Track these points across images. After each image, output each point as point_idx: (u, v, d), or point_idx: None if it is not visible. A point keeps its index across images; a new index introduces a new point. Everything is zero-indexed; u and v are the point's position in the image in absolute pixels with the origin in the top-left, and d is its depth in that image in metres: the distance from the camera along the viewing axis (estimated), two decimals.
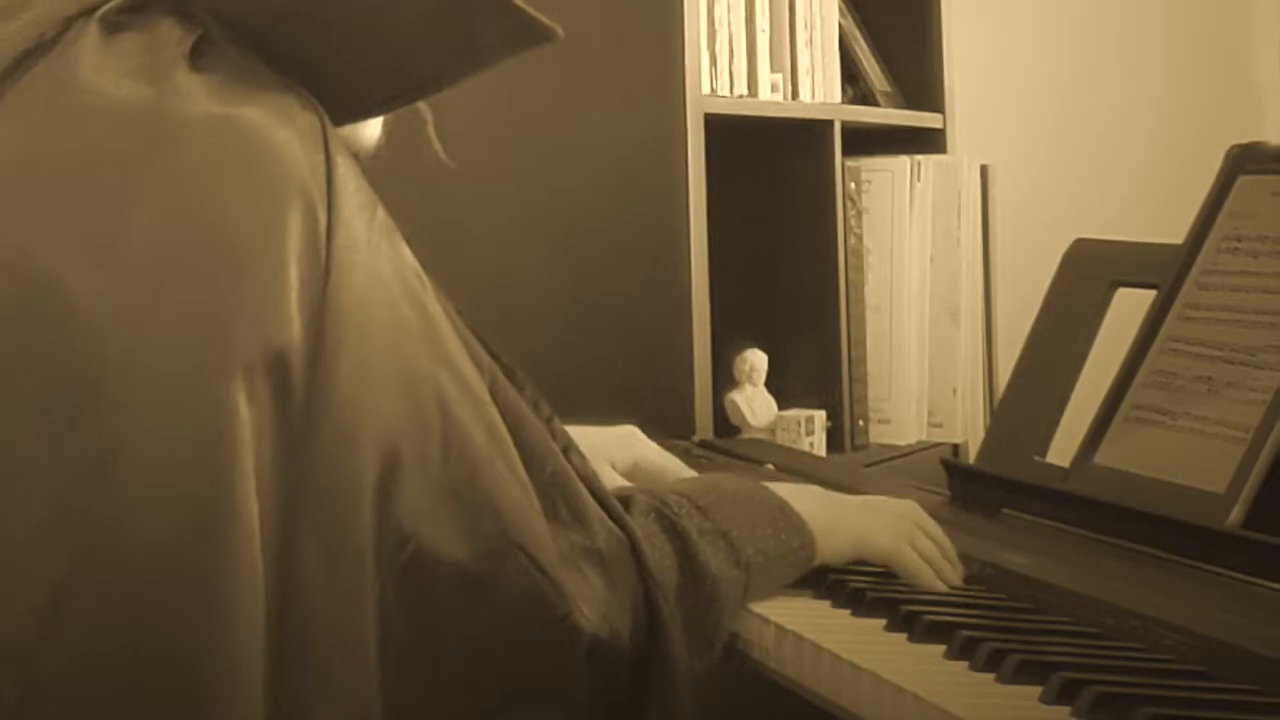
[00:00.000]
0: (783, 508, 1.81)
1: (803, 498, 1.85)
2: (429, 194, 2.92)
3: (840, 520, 1.88)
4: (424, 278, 1.60)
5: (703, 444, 2.64)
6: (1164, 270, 2.01)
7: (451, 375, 1.57)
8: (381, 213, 1.58)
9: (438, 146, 1.81)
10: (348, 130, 1.68)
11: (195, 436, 1.43)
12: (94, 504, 1.41)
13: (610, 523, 1.63)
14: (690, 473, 2.13)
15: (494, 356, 1.67)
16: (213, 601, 1.40)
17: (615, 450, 2.05)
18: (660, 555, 1.67)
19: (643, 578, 1.61)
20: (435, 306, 1.60)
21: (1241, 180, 1.98)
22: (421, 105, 1.77)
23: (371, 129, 1.77)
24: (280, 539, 1.45)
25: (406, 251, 1.60)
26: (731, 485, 1.83)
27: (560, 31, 1.64)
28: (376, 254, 1.54)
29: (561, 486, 1.63)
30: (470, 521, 1.54)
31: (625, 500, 1.71)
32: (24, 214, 1.48)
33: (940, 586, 1.81)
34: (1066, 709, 1.37)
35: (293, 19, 1.60)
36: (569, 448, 1.67)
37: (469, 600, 1.54)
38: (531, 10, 1.64)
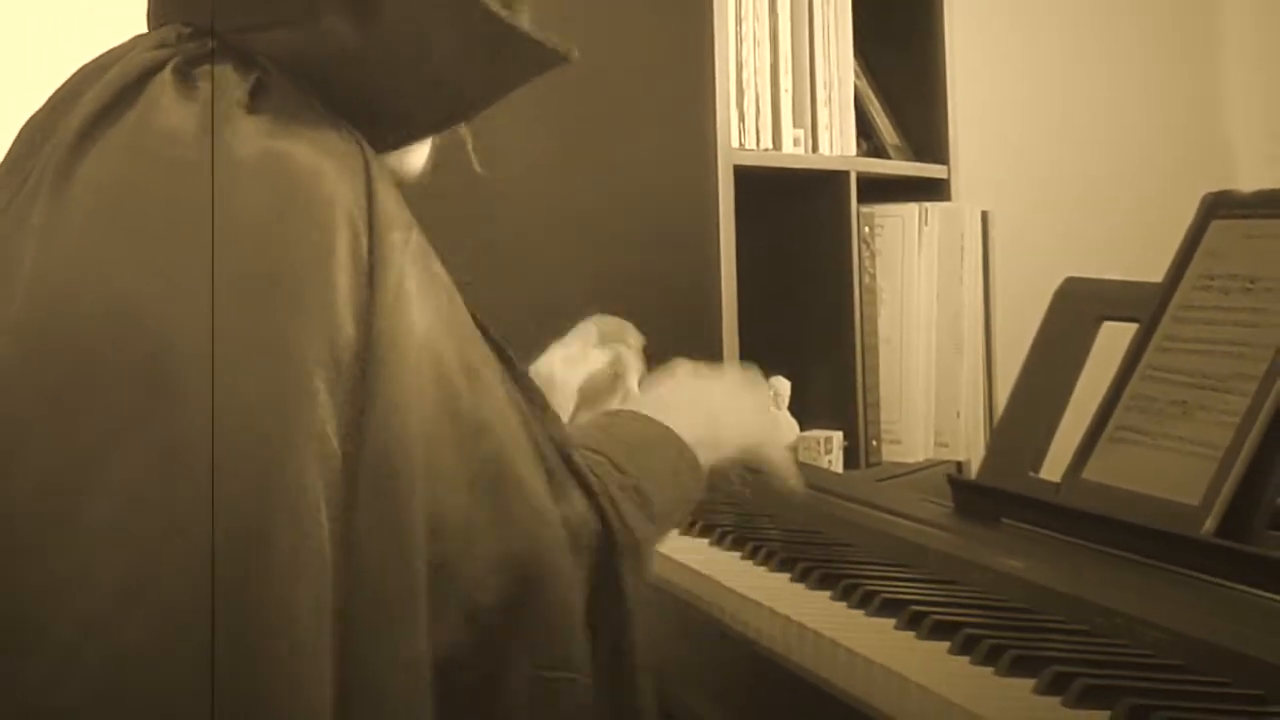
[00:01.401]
0: (681, 451, 1.80)
1: (686, 417, 1.84)
2: (489, 235, 2.93)
3: (720, 436, 1.88)
4: (453, 290, 1.61)
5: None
6: (1145, 305, 2.01)
7: (479, 382, 1.58)
8: (416, 234, 1.58)
9: (475, 163, 1.82)
10: (395, 157, 1.70)
11: (262, 433, 1.44)
12: (168, 493, 1.42)
13: (581, 497, 1.63)
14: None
15: (494, 343, 1.67)
16: (279, 577, 1.41)
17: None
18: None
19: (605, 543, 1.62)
20: (461, 316, 1.61)
21: (1214, 224, 1.98)
22: (461, 128, 1.78)
23: (418, 155, 1.77)
24: (342, 517, 1.46)
25: (439, 267, 1.60)
26: (639, 429, 1.81)
27: (575, 53, 1.66)
28: (411, 271, 1.55)
29: (550, 468, 1.63)
30: (499, 503, 1.55)
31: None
32: (108, 246, 1.49)
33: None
34: (1057, 699, 1.37)
35: (340, 60, 1.61)
36: (554, 420, 1.67)
37: (496, 563, 1.55)
38: (547, 38, 1.66)
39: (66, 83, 1.68)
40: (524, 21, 1.66)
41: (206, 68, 1.59)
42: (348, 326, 1.48)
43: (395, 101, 1.64)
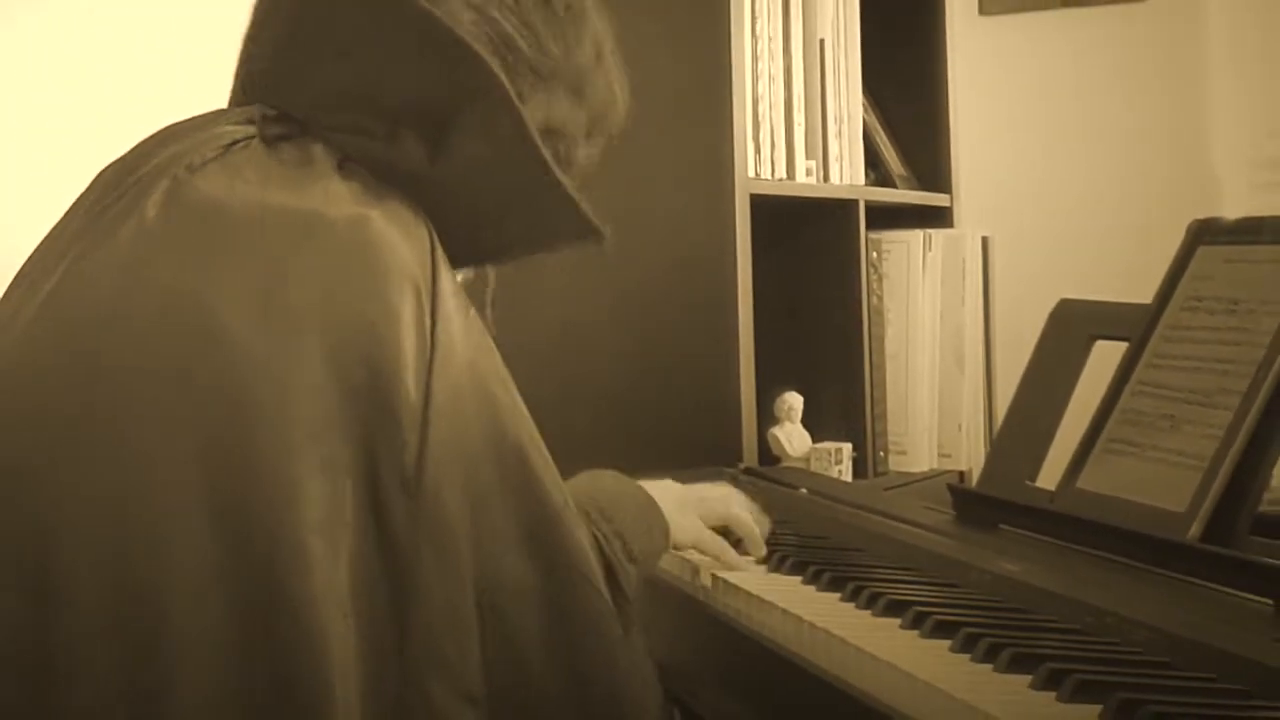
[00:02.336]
0: (650, 505, 1.83)
1: (659, 491, 1.87)
2: (521, 274, 2.94)
3: (683, 506, 1.91)
4: (502, 366, 1.64)
5: (748, 471, 2.63)
6: (1135, 325, 2.01)
7: (528, 436, 1.60)
8: (473, 312, 1.62)
9: (488, 311, 1.83)
10: None
11: (326, 460, 1.46)
12: (245, 500, 1.44)
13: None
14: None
15: None
16: (295, 619, 1.43)
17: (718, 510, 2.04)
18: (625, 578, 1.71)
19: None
20: (511, 382, 1.63)
21: (1201, 249, 1.98)
22: (489, 271, 1.81)
23: None
24: (406, 555, 1.47)
25: (490, 341, 1.64)
26: (615, 486, 1.83)
27: (607, 233, 1.71)
28: (467, 343, 1.58)
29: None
30: (547, 560, 1.57)
31: None
32: (206, 278, 1.51)
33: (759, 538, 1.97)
34: (1052, 694, 1.36)
35: (407, 179, 1.63)
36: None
37: (545, 622, 1.56)
38: (589, 212, 1.69)
39: (149, 139, 1.71)
40: (573, 188, 1.68)
41: (297, 142, 1.62)
42: (410, 385, 1.51)
43: (444, 229, 1.65)
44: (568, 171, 1.75)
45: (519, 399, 1.63)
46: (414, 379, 1.51)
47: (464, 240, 1.68)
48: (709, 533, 1.92)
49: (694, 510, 1.92)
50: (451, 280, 1.60)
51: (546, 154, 1.66)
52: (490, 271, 1.85)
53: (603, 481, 1.84)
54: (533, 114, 1.68)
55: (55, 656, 1.42)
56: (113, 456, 1.46)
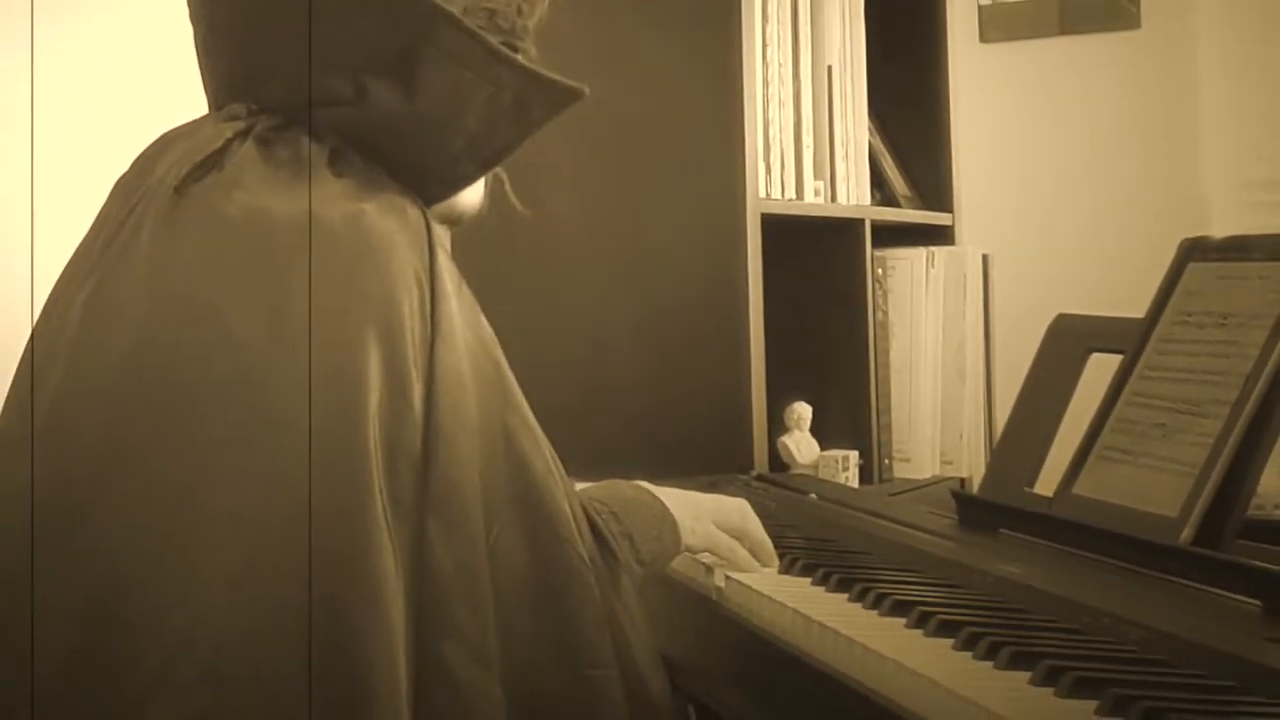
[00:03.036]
0: (664, 514, 1.84)
1: (672, 499, 1.88)
2: (542, 278, 2.94)
3: (699, 515, 1.91)
4: (496, 342, 1.65)
5: (759, 478, 2.63)
6: (1129, 339, 2.00)
7: (517, 414, 1.62)
8: (466, 289, 1.63)
9: (513, 199, 1.85)
10: (449, 201, 1.74)
11: (342, 452, 1.47)
12: (267, 503, 1.45)
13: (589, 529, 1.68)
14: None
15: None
16: (361, 576, 1.45)
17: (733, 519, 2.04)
18: (622, 557, 1.73)
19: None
20: (505, 365, 1.65)
21: (1191, 267, 1.98)
22: (500, 172, 1.81)
23: (473, 195, 1.81)
24: (414, 529, 1.48)
25: (484, 321, 1.65)
26: (632, 494, 1.85)
27: (586, 90, 1.69)
28: (465, 326, 1.60)
29: (571, 501, 1.67)
30: (533, 526, 1.59)
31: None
32: (215, 287, 1.52)
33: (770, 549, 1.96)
34: (1050, 690, 1.36)
35: (390, 128, 1.64)
36: (564, 473, 1.69)
37: (534, 586, 1.58)
38: (563, 79, 1.69)
39: (147, 149, 1.71)
40: (539, 66, 1.69)
41: (286, 136, 1.62)
42: (416, 368, 1.53)
43: (440, 156, 1.67)
44: (519, 37, 1.76)
45: (507, 370, 1.65)
46: (419, 362, 1.53)
47: (463, 158, 1.70)
48: (722, 535, 1.92)
49: (709, 518, 1.92)
50: (447, 260, 1.61)
51: (510, 53, 1.67)
52: (503, 175, 1.85)
53: (618, 489, 1.85)
54: (468, 6, 1.69)
55: (125, 675, 1.44)
56: (157, 478, 1.47)
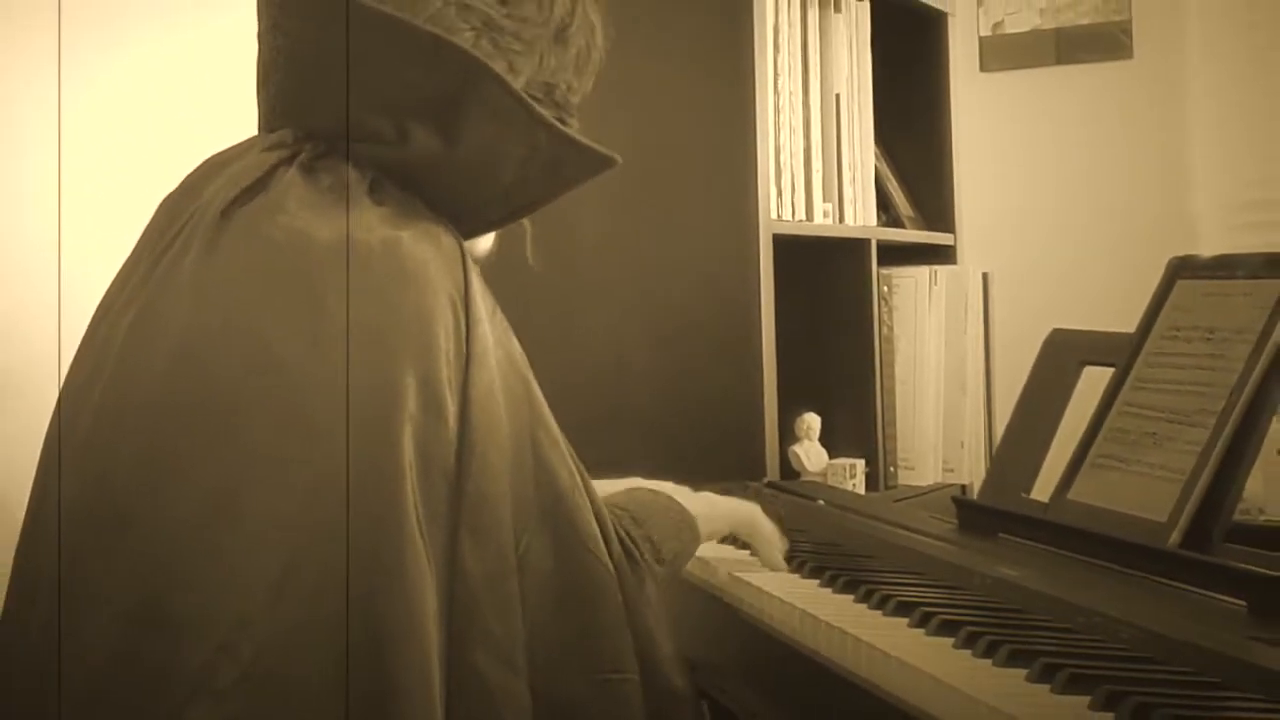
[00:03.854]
0: (682, 514, 1.85)
1: (690, 500, 1.89)
2: (567, 297, 2.94)
3: (713, 514, 1.92)
4: (525, 360, 1.65)
5: (771, 485, 2.63)
6: (1120, 352, 2.00)
7: (545, 430, 1.62)
8: (499, 314, 1.63)
9: (530, 252, 1.86)
10: (471, 241, 1.72)
11: (378, 464, 1.47)
12: (305, 512, 1.45)
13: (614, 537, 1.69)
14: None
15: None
16: (395, 583, 1.44)
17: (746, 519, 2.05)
18: (645, 562, 1.73)
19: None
20: (534, 382, 1.65)
21: (1179, 284, 1.98)
22: (525, 221, 1.81)
23: (487, 240, 1.82)
24: (447, 540, 1.49)
25: (515, 341, 1.65)
26: (650, 498, 1.86)
27: (619, 159, 1.70)
28: (497, 346, 1.60)
29: (596, 510, 1.67)
30: (557, 537, 1.59)
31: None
32: (256, 306, 1.52)
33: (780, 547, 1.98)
34: (1046, 686, 1.36)
35: (428, 170, 1.64)
36: (590, 484, 1.69)
37: (558, 593, 1.58)
38: (598, 147, 1.69)
39: (195, 172, 1.72)
40: (578, 133, 1.70)
41: (328, 164, 1.62)
42: (451, 386, 1.53)
43: (471, 201, 1.68)
44: (569, 112, 1.77)
45: (536, 388, 1.65)
46: (453, 380, 1.53)
47: (495, 206, 1.70)
48: (743, 528, 1.96)
49: (725, 519, 1.94)
50: (480, 284, 1.61)
51: (547, 114, 1.67)
52: (528, 225, 1.86)
53: (638, 494, 1.86)
54: (528, 77, 1.71)
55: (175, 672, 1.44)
56: (199, 487, 1.47)
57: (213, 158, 1.72)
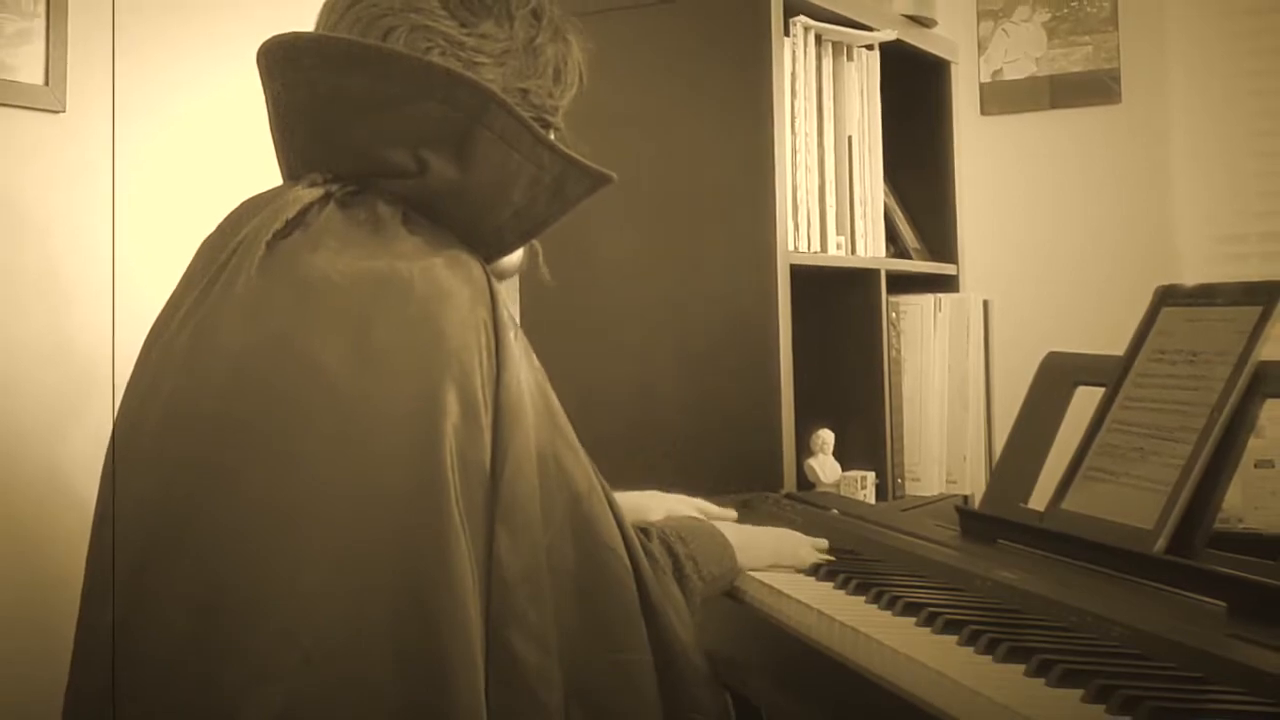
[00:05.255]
0: (724, 542, 1.90)
1: (731, 531, 1.94)
2: (602, 324, 2.95)
3: (753, 545, 1.96)
4: (545, 376, 1.68)
5: (788, 495, 2.63)
6: (1110, 373, 2.00)
7: (563, 438, 1.65)
8: (521, 335, 1.65)
9: (544, 268, 1.88)
10: (495, 263, 1.74)
11: (424, 466, 1.49)
12: (355, 517, 1.46)
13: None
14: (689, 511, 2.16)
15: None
16: (440, 574, 1.46)
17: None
18: (661, 559, 1.76)
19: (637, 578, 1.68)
20: (553, 397, 1.67)
21: (1164, 310, 1.98)
22: (535, 244, 1.83)
23: (514, 256, 1.82)
24: (484, 537, 1.49)
25: (535, 359, 1.67)
26: (697, 525, 1.91)
27: (614, 176, 1.72)
28: (521, 362, 1.61)
29: (614, 511, 1.69)
30: (576, 534, 1.61)
31: (646, 530, 1.80)
32: (305, 329, 1.53)
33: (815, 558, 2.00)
34: (1042, 680, 1.37)
35: (448, 197, 1.65)
36: (609, 491, 1.71)
37: (576, 584, 1.60)
38: (595, 166, 1.71)
39: (232, 213, 1.73)
40: (569, 144, 1.72)
41: (361, 199, 1.64)
42: (485, 397, 1.54)
43: (488, 225, 1.69)
44: (551, 114, 1.79)
45: (555, 402, 1.67)
46: (486, 392, 1.54)
47: (511, 226, 1.71)
48: (785, 560, 1.99)
49: (768, 557, 1.98)
50: (505, 307, 1.63)
51: (550, 137, 1.70)
52: (538, 244, 1.87)
53: (688, 522, 1.91)
54: (500, 85, 1.71)
55: (224, 669, 1.45)
56: (256, 490, 1.48)
57: (248, 201, 1.74)
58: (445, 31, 1.70)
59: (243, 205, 1.73)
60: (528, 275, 1.91)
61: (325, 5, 1.76)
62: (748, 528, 1.98)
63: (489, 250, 1.70)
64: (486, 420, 1.53)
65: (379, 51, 1.64)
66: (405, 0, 1.71)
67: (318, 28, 1.75)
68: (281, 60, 1.70)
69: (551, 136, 1.75)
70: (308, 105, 1.68)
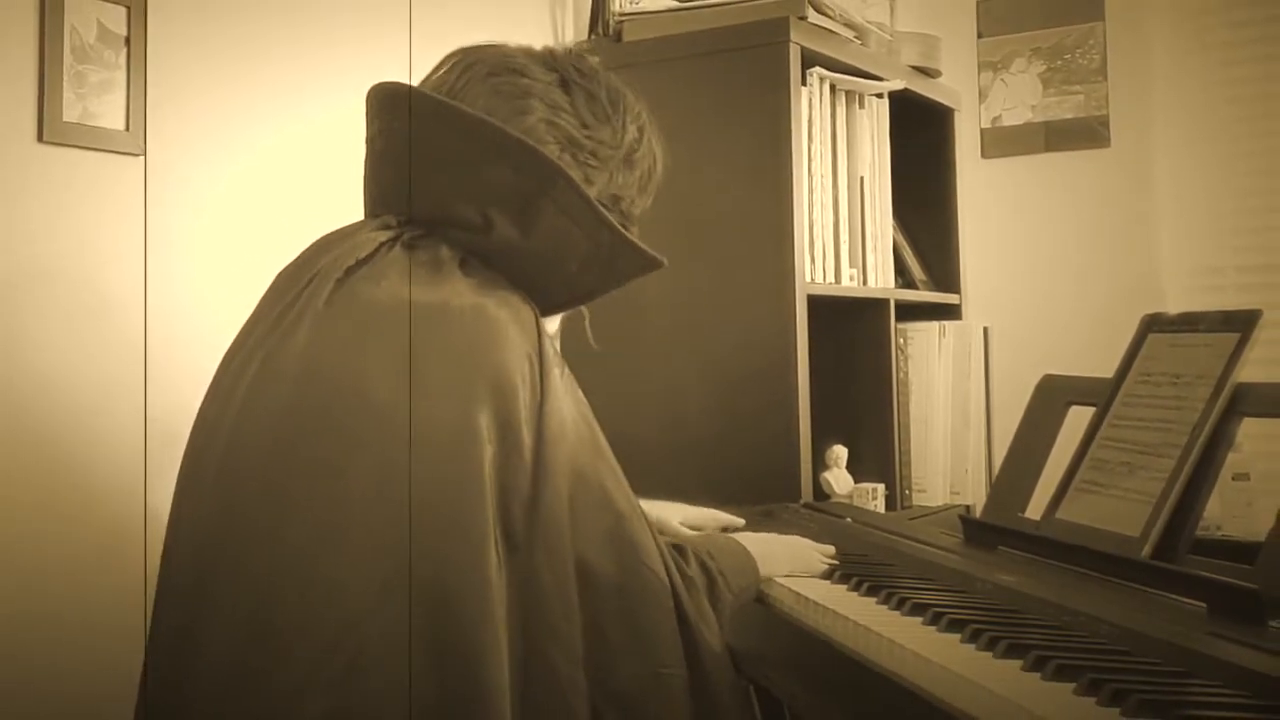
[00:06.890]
0: (747, 555, 1.87)
1: (753, 543, 1.91)
2: (636, 352, 2.95)
3: (771, 555, 1.93)
4: (589, 408, 1.67)
5: (806, 505, 2.63)
6: (1101, 394, 2.00)
7: (606, 464, 1.64)
8: (567, 370, 1.65)
9: (590, 336, 1.89)
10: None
11: (462, 491, 1.49)
12: (402, 535, 1.46)
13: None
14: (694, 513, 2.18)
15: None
16: (474, 591, 1.46)
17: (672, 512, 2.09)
18: (697, 580, 1.73)
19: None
20: (597, 426, 1.66)
21: (1150, 337, 1.97)
22: (583, 308, 1.83)
23: (553, 324, 1.82)
24: (525, 559, 1.50)
25: (580, 393, 1.66)
26: (724, 542, 1.89)
27: (665, 261, 1.74)
28: (566, 395, 1.61)
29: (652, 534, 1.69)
30: (619, 553, 1.60)
31: (681, 548, 1.77)
32: (360, 359, 1.54)
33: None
34: (1037, 674, 1.36)
35: (507, 255, 1.66)
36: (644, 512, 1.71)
37: (619, 600, 1.59)
38: (650, 250, 1.72)
39: (309, 248, 1.74)
40: (636, 237, 1.72)
41: (427, 243, 1.65)
42: (527, 427, 1.54)
43: (541, 285, 1.69)
44: (631, 222, 1.79)
45: (599, 431, 1.66)
46: (529, 422, 1.54)
47: (561, 290, 1.71)
48: (799, 567, 1.97)
49: (785, 565, 1.95)
50: (552, 346, 1.63)
51: (611, 218, 1.70)
52: (586, 311, 1.87)
53: (715, 539, 1.90)
54: (600, 188, 1.72)
55: (275, 681, 1.45)
56: (310, 512, 1.49)
57: (324, 237, 1.75)
58: (568, 129, 1.71)
59: (318, 241, 1.74)
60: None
61: (455, 62, 1.76)
62: (763, 537, 1.97)
63: (539, 306, 1.70)
64: (529, 444, 1.54)
65: (463, 114, 1.65)
66: (544, 89, 1.72)
67: (436, 74, 1.75)
68: (382, 106, 1.72)
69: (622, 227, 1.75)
70: (397, 151, 1.69)
